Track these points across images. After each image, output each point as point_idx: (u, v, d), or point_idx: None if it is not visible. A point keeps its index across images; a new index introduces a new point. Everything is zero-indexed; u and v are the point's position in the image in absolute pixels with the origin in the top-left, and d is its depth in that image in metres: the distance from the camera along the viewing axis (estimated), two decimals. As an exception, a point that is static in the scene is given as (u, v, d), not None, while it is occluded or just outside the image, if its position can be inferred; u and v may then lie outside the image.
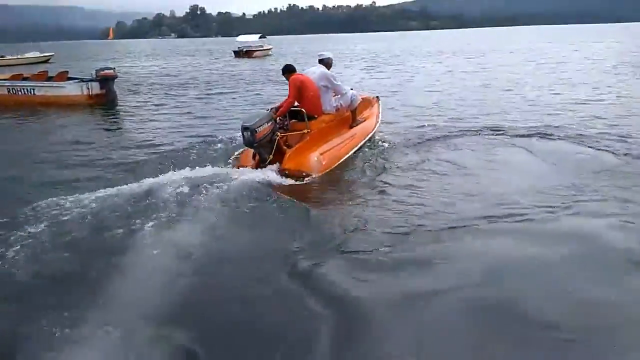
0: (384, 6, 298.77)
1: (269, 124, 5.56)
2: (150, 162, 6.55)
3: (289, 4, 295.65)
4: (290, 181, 5.47)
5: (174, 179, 5.11)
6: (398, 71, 21.61)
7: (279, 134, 5.77)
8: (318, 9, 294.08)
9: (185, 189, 4.82)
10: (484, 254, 3.78)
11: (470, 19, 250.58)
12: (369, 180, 5.62)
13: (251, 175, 5.39)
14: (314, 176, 5.66)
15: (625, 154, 6.36)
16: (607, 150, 6.58)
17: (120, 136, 9.22)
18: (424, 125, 8.61)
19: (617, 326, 2.92)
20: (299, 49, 55.68)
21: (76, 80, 13.35)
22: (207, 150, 6.95)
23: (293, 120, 6.19)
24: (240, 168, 5.70)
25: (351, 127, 6.92)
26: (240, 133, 5.47)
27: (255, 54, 40.50)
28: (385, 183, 5.47)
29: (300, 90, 6.17)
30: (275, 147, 5.67)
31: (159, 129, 9.62)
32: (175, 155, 6.79)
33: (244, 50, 40.67)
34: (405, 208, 4.72)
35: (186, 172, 5.35)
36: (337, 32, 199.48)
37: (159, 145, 7.94)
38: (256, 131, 5.34)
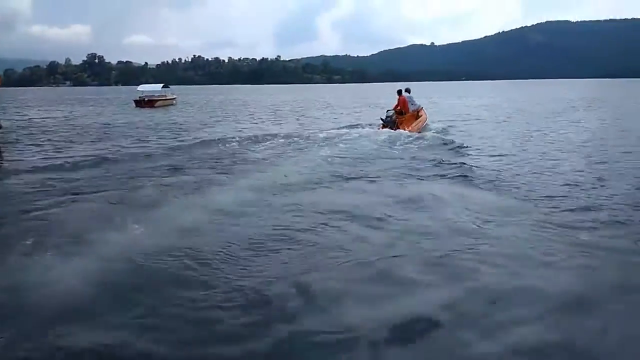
0: (288, 60, 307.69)
1: (394, 115, 15.17)
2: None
3: (194, 55, 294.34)
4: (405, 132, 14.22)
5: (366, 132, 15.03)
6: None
7: (397, 119, 14.97)
8: (224, 60, 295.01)
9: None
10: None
11: (369, 74, 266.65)
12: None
13: (390, 131, 14.56)
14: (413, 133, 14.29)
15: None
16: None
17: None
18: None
19: None
20: (204, 99, 55.05)
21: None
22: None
23: (396, 114, 15.19)
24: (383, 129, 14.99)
25: (416, 118, 15.88)
26: (383, 118, 15.42)
27: (158, 103, 38.69)
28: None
29: (402, 103, 15.57)
30: (395, 123, 14.83)
31: (47, 180, 8.64)
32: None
33: (146, 99, 38.66)
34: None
35: (359, 130, 15.95)
36: (243, 84, 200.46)
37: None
38: (392, 117, 15.14)
